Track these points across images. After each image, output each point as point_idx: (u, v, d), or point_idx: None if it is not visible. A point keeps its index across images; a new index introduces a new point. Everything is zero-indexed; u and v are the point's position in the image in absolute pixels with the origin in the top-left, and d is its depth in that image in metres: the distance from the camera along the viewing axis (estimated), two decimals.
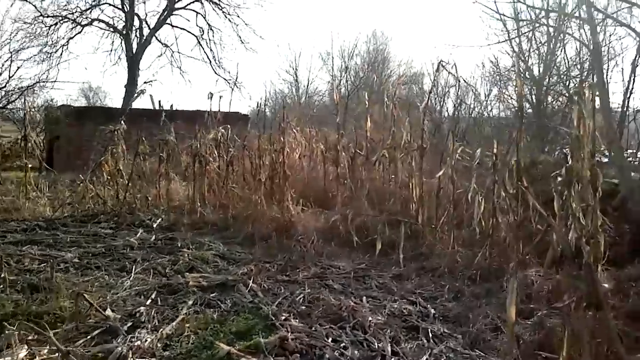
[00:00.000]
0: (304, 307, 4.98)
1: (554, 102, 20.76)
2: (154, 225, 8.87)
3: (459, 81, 7.02)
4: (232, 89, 25.47)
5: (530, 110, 20.10)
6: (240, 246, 7.70)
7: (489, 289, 5.45)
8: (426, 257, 6.75)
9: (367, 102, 9.38)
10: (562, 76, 19.61)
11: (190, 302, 5.15)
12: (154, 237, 7.84)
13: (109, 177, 9.94)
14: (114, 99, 46.50)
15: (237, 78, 27.15)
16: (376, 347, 3.99)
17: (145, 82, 9.20)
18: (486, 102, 23.38)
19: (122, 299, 5.27)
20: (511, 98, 20.89)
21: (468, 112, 24.00)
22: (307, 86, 35.31)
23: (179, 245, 7.44)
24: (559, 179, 4.11)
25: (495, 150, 5.83)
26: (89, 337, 4.25)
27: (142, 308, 4.89)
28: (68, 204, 10.11)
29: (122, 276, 6.09)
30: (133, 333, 4.27)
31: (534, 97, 20.31)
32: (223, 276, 5.98)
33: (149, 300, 5.21)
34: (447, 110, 24.39)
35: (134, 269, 6.23)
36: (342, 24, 65.74)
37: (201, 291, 5.51)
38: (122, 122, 9.77)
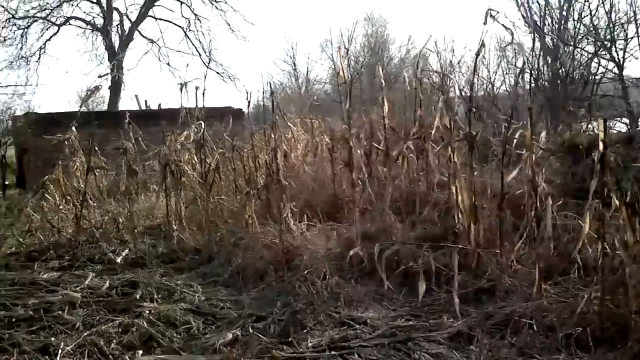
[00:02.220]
0: None
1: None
2: (118, 260, 6.82)
3: (513, 36, 4.84)
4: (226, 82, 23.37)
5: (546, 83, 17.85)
6: (225, 289, 5.61)
7: None
8: (489, 296, 4.65)
9: (382, 79, 7.20)
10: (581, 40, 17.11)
11: None
12: (107, 284, 5.73)
13: (62, 199, 7.85)
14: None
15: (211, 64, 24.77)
16: None
17: (99, 77, 7.35)
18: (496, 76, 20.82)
19: None
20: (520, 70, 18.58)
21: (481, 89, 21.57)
22: (307, 74, 33.01)
23: (140, 295, 5.35)
24: None
25: (601, 133, 3.65)
26: None
27: None
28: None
29: None
30: None
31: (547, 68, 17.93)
32: (190, 356, 3.90)
33: None
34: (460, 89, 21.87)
35: (61, 349, 4.18)
36: (338, 5, 62.84)
37: None
38: (74, 128, 7.65)
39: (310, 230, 6.59)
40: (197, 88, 8.44)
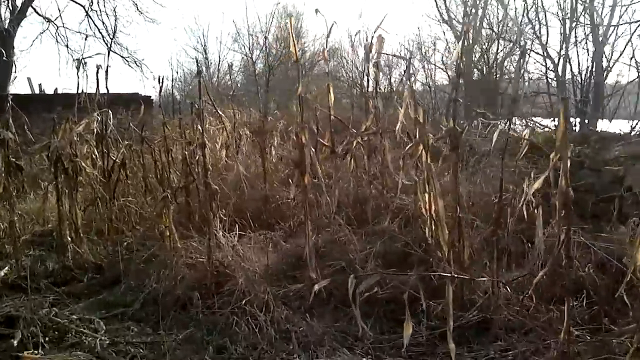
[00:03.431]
0: None
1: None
2: None
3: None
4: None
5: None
6: (137, 325, 4.30)
7: None
8: (480, 332, 3.69)
9: (326, 64, 6.08)
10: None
11: None
12: None
13: None
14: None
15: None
16: None
17: None
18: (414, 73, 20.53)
19: None
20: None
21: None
22: (220, 63, 31.12)
23: (20, 338, 3.95)
24: None
25: None
26: None
27: None
28: None
29: None
30: None
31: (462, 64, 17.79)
32: None
33: None
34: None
35: None
36: None
37: None
38: None
39: (241, 243, 5.39)
40: (98, 67, 6.98)
